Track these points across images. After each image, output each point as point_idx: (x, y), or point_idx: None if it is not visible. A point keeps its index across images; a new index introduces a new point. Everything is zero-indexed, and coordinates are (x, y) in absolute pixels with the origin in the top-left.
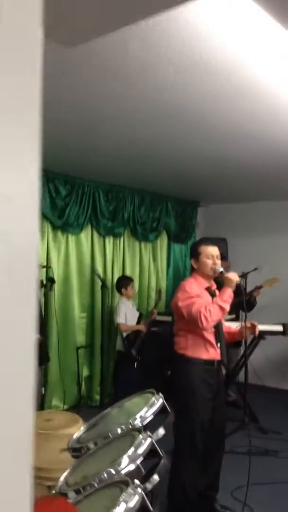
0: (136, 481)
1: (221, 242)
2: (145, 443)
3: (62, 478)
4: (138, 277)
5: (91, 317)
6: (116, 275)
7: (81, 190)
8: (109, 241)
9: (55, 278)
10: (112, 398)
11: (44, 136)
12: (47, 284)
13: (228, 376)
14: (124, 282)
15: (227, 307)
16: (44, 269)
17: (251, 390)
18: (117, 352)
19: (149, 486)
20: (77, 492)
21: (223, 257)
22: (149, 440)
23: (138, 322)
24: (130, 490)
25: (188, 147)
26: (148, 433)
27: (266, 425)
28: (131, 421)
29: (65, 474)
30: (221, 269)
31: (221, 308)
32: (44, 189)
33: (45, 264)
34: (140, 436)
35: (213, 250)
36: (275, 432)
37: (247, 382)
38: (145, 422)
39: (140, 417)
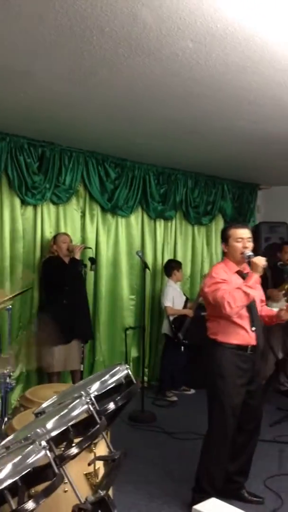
0: (43, 442)
1: (281, 226)
2: (81, 408)
3: (12, 435)
4: (190, 262)
5: (141, 300)
6: (167, 259)
7: (131, 173)
8: (159, 224)
9: (104, 260)
10: (158, 381)
11: (93, 120)
12: (87, 264)
13: (277, 364)
14: (172, 265)
15: (253, 293)
16: (90, 250)
17: None
18: (163, 335)
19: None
20: (7, 448)
21: (284, 242)
22: (85, 406)
23: (185, 307)
24: (34, 447)
25: (231, 126)
26: (87, 399)
27: None
28: (86, 389)
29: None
30: (250, 253)
31: (246, 294)
32: (94, 172)
33: (89, 246)
34: (77, 401)
35: (243, 233)
36: None
37: None
38: (103, 389)
39: (100, 383)
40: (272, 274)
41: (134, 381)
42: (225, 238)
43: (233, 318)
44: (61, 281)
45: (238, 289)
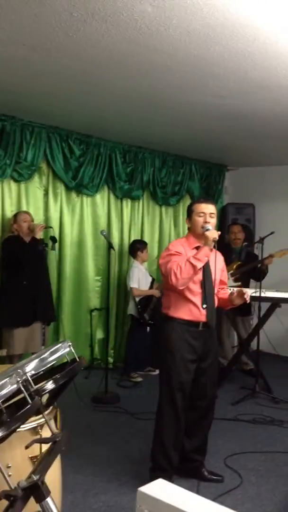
0: None
1: (248, 207)
2: (10, 387)
3: None
4: (157, 243)
5: (106, 281)
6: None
7: (96, 150)
8: (126, 204)
9: (68, 240)
10: (124, 362)
11: (54, 91)
12: (48, 243)
13: (240, 344)
14: (138, 246)
15: (199, 265)
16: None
17: (266, 359)
18: (129, 316)
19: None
20: None
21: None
22: (14, 386)
23: (151, 287)
24: None
25: (196, 100)
26: (17, 378)
27: (279, 395)
28: (23, 368)
29: None
30: (208, 227)
31: (193, 265)
32: (57, 148)
33: (52, 225)
34: (5, 380)
35: (206, 208)
36: (286, 402)
37: (259, 350)
38: (41, 368)
39: (39, 361)
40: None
41: (77, 359)
42: (189, 213)
43: (185, 293)
44: (21, 261)
45: (186, 260)
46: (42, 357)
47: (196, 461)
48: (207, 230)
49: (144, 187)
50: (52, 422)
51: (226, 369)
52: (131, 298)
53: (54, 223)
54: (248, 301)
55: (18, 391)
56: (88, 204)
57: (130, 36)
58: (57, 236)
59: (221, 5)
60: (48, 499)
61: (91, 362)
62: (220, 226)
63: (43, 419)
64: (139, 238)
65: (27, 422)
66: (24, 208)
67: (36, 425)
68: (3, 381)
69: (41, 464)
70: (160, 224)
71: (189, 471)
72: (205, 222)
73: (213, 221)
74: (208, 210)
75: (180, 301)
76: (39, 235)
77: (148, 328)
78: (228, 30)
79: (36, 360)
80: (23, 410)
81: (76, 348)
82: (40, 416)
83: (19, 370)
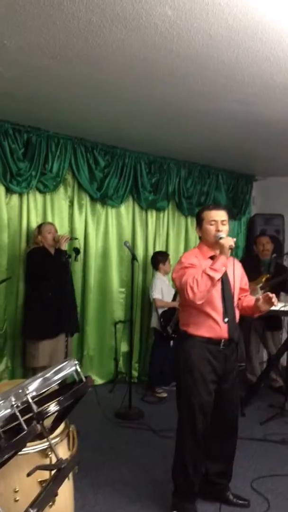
0: None
1: (277, 218)
2: (3, 412)
3: None
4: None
5: (131, 292)
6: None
7: (121, 161)
8: (151, 215)
9: (93, 251)
10: (148, 377)
11: (76, 102)
12: (71, 254)
13: (269, 360)
14: (158, 259)
15: (217, 276)
16: (77, 241)
17: None
18: (152, 329)
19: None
20: None
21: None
22: (7, 411)
23: (174, 299)
24: None
25: (220, 108)
26: (12, 402)
27: None
28: (24, 389)
29: None
30: (222, 235)
31: (210, 277)
32: (82, 160)
33: (77, 236)
34: (1, 403)
35: (216, 215)
36: None
37: None
38: (45, 388)
39: (42, 380)
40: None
41: (84, 379)
42: (199, 221)
43: (204, 308)
44: (46, 273)
45: (202, 272)
46: (45, 376)
47: (220, 484)
48: (221, 238)
49: (170, 197)
50: (62, 445)
51: (254, 386)
52: (154, 310)
53: (79, 234)
54: (276, 304)
55: (23, 410)
56: (112, 215)
57: (150, 41)
58: (81, 247)
59: (244, 7)
60: None
61: (116, 376)
62: (248, 238)
63: (55, 440)
64: (164, 249)
65: (36, 444)
66: (49, 220)
67: (46, 447)
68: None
69: (42, 495)
70: (186, 235)
71: (213, 495)
72: (217, 230)
73: (225, 228)
74: (219, 218)
75: (200, 317)
76: (64, 246)
77: (171, 342)
78: (252, 33)
79: (39, 380)
80: (17, 437)
81: (100, 361)
82: (54, 436)
83: (20, 391)
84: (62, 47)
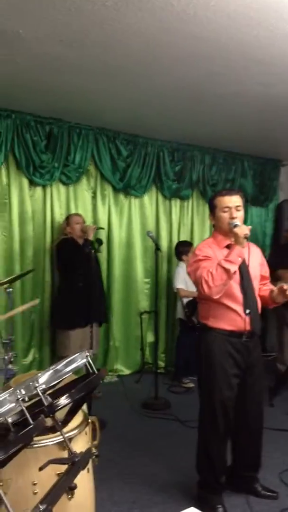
0: None
1: None
2: (8, 406)
3: None
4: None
5: (156, 283)
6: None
7: (144, 150)
8: (175, 204)
9: (117, 242)
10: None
11: (96, 90)
12: (94, 244)
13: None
14: (183, 247)
15: (233, 268)
16: (100, 231)
17: None
18: (177, 319)
19: None
20: None
21: None
22: (12, 405)
23: None
24: None
25: (241, 91)
26: (18, 395)
27: None
28: (35, 381)
29: None
30: (235, 223)
31: (226, 270)
32: (104, 150)
33: (102, 226)
34: (4, 397)
35: (230, 201)
36: None
37: None
38: (55, 381)
39: (53, 372)
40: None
41: (95, 371)
42: (212, 208)
43: (223, 300)
44: (75, 263)
45: (217, 265)
46: (56, 368)
47: (248, 476)
48: (236, 226)
49: (194, 186)
50: (81, 437)
51: (283, 376)
52: (179, 299)
53: (102, 225)
54: None
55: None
56: (136, 205)
57: (166, 23)
58: (105, 238)
59: None
60: None
61: (142, 366)
62: (276, 225)
63: (73, 432)
64: (188, 239)
65: (55, 436)
66: (73, 211)
67: (68, 437)
68: (2, 398)
69: (53, 491)
70: (211, 224)
71: (242, 486)
72: (232, 217)
73: (240, 214)
74: (233, 203)
75: (219, 310)
76: (91, 236)
77: (197, 332)
78: (273, 11)
79: (50, 372)
80: (23, 432)
81: (126, 351)
82: (71, 428)
83: (30, 383)
84: (77, 34)
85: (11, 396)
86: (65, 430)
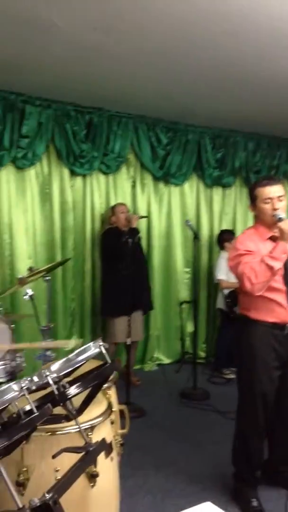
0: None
1: None
2: (9, 395)
3: None
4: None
5: (196, 272)
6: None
7: (184, 137)
8: (217, 192)
9: (156, 231)
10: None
11: (134, 77)
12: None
13: None
14: (225, 236)
15: (278, 265)
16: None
17: None
18: (218, 310)
19: None
20: None
21: None
22: (14, 394)
23: None
24: None
25: (277, 69)
26: (21, 384)
27: None
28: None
29: None
30: (280, 215)
31: (269, 267)
32: (144, 138)
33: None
34: (6, 387)
35: (271, 191)
36: None
37: None
38: (65, 370)
39: (64, 361)
40: None
41: (109, 360)
42: (252, 199)
43: (266, 293)
44: (120, 252)
45: (261, 261)
46: (68, 357)
47: (285, 471)
48: (280, 219)
49: (236, 173)
50: (104, 425)
51: None
52: (220, 291)
53: (142, 214)
54: None
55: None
56: (176, 193)
57: (199, 2)
58: (144, 228)
59: None
60: None
61: (182, 356)
62: None
63: (97, 420)
64: (231, 228)
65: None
66: (112, 200)
67: (87, 426)
68: (7, 386)
69: (62, 480)
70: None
71: (278, 481)
72: (274, 209)
73: (283, 204)
74: (275, 194)
75: (262, 301)
76: (135, 225)
77: (237, 324)
78: None
79: (62, 361)
80: (25, 420)
81: (167, 341)
82: (94, 416)
83: (43, 371)
84: (110, 21)
85: (16, 384)
86: (87, 418)
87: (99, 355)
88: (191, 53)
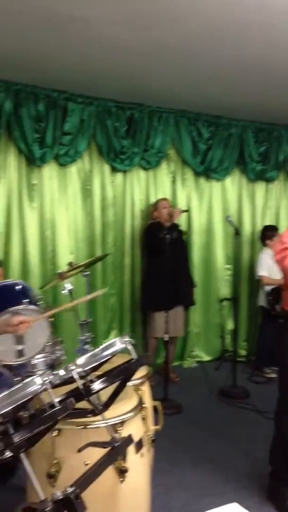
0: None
1: None
2: (32, 388)
3: None
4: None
5: (237, 269)
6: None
7: (226, 131)
8: (259, 187)
9: (196, 227)
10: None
11: (172, 73)
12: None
13: None
14: (268, 232)
15: None
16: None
17: None
18: (259, 308)
19: None
20: None
21: None
22: (36, 387)
23: None
24: None
25: None
26: (44, 378)
27: None
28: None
29: None
30: None
31: None
32: (185, 133)
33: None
34: (29, 380)
35: None
36: None
37: None
38: (90, 365)
39: (90, 356)
40: None
41: (135, 356)
42: None
43: None
44: (162, 247)
45: None
46: (93, 352)
47: None
48: None
49: (280, 167)
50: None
51: None
52: (261, 288)
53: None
54: None
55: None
56: (217, 188)
57: None
58: (185, 223)
59: None
60: None
61: (222, 354)
62: None
63: (127, 416)
64: (274, 223)
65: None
66: (152, 196)
67: (116, 422)
68: (30, 379)
69: (87, 474)
70: None
71: None
72: None
73: None
74: None
75: None
76: (176, 220)
77: (280, 321)
78: None
79: (87, 356)
80: (47, 414)
81: (206, 338)
82: (124, 412)
83: (68, 365)
84: (143, 16)
85: (40, 378)
86: (117, 413)
87: (139, 350)
88: (226, 46)
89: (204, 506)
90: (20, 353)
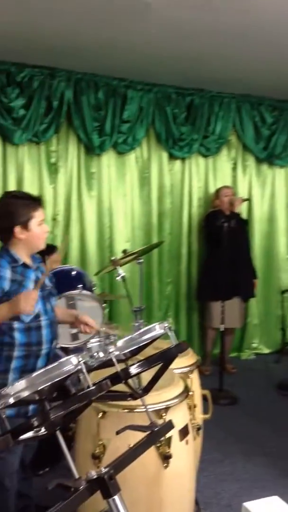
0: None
1: None
2: (67, 367)
3: None
4: None
5: None
6: None
7: None
8: None
9: (258, 216)
10: None
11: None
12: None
13: None
14: None
15: None
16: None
17: None
18: None
19: None
20: None
21: None
22: (70, 367)
23: None
24: None
25: None
26: (79, 359)
27: None
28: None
29: None
30: None
31: None
32: (247, 118)
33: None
34: (64, 359)
35: None
36: None
37: None
38: (127, 349)
39: (128, 340)
40: None
41: (175, 342)
42: None
43: None
44: (222, 235)
45: None
46: (132, 336)
47: None
48: None
49: None
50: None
51: None
52: None
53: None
54: None
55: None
56: (280, 175)
57: None
58: (246, 212)
59: None
60: (116, 497)
61: (283, 346)
62: None
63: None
64: None
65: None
66: (211, 184)
67: (161, 407)
68: (66, 358)
69: (123, 457)
70: None
71: None
72: None
73: None
74: None
75: None
76: (237, 209)
77: None
78: None
79: (125, 339)
80: (81, 393)
81: (266, 330)
82: (169, 398)
83: (107, 348)
84: None
85: (75, 358)
86: (162, 399)
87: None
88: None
89: (253, 499)
90: (75, 337)
